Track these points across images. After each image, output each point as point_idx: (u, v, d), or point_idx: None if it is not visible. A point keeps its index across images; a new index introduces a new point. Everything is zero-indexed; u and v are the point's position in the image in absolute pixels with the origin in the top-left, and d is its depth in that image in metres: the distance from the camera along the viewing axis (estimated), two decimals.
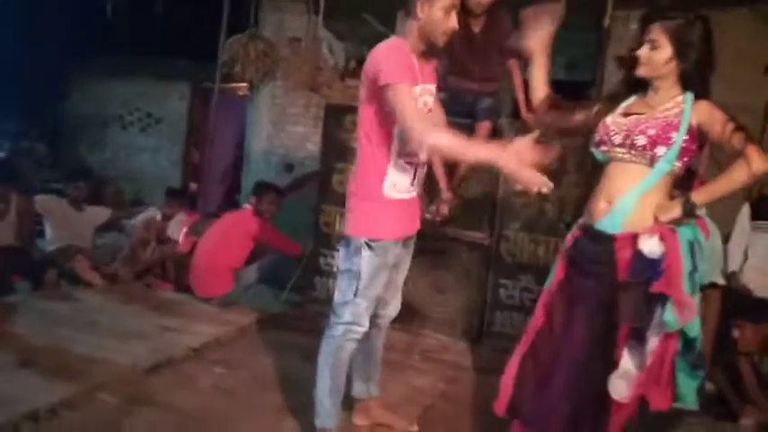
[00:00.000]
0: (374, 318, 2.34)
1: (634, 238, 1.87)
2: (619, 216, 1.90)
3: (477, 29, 3.51)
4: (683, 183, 1.96)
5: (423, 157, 2.23)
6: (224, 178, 7.92)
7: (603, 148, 1.97)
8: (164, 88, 8.54)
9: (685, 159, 1.89)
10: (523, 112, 3.61)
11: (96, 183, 6.80)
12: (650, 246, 1.84)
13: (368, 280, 2.18)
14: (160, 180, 8.12)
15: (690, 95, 1.89)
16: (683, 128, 1.86)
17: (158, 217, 4.88)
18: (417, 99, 2.11)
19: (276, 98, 5.97)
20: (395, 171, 2.17)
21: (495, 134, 3.66)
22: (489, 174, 3.67)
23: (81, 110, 9.07)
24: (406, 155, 2.17)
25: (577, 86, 5.75)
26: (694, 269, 1.84)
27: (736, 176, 1.82)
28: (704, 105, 1.87)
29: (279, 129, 6.02)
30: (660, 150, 1.86)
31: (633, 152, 1.90)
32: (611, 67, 4.77)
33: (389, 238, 2.20)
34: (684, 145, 1.86)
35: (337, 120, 4.10)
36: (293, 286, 4.30)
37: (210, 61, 5.86)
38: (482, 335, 3.76)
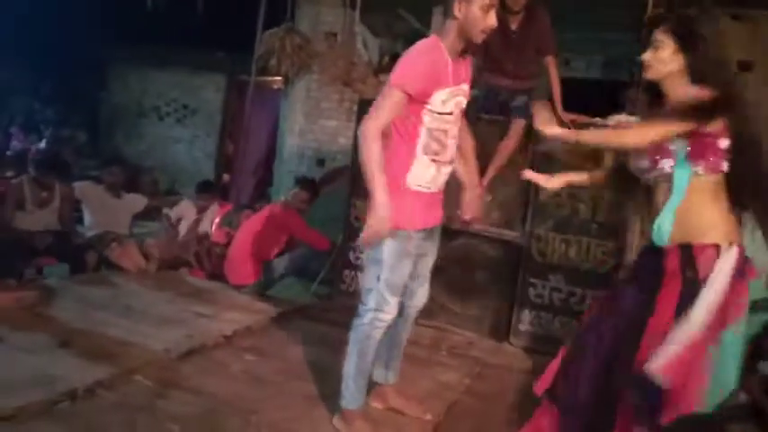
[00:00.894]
0: (401, 307, 2.37)
1: (681, 248, 1.86)
2: (664, 234, 1.90)
3: (514, 26, 3.49)
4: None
5: (447, 156, 2.25)
6: (256, 171, 8.02)
7: (645, 175, 1.99)
8: (200, 80, 8.67)
9: (711, 159, 1.83)
10: (559, 111, 3.58)
11: (133, 172, 6.97)
12: None
13: (391, 268, 2.22)
14: (194, 171, 8.28)
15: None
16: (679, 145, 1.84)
17: (193, 208, 4.99)
18: (445, 102, 2.15)
19: (310, 92, 6.03)
20: (419, 166, 2.21)
21: (530, 132, 3.63)
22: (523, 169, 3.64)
23: (119, 99, 9.27)
24: (432, 152, 2.20)
25: (614, 86, 5.68)
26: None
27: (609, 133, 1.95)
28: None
29: (312, 122, 6.08)
30: (665, 163, 1.86)
31: (653, 174, 1.92)
32: None
33: (411, 228, 2.23)
34: (692, 148, 1.82)
35: None
36: (323, 279, 4.35)
37: (247, 54, 5.95)
38: (509, 333, 3.75)
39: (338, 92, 5.90)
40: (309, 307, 4.02)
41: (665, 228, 1.90)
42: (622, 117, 3.70)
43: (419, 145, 2.18)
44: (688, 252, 1.86)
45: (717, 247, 1.83)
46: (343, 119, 5.84)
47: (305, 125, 6.09)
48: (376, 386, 2.60)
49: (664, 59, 1.87)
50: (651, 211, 1.99)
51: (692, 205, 1.86)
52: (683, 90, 1.88)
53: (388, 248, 2.21)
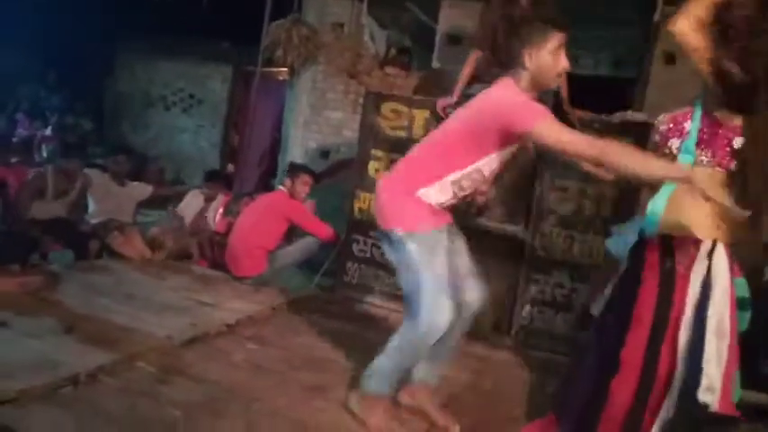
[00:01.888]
0: (458, 307, 2.25)
1: (662, 239, 1.86)
2: (655, 219, 1.87)
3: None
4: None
5: (467, 195, 2.24)
6: (261, 161, 8.03)
7: None
8: (206, 70, 8.68)
9: (719, 152, 1.80)
10: (566, 107, 3.57)
11: (139, 160, 6.98)
12: None
13: (425, 269, 2.15)
14: (199, 161, 8.31)
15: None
16: (698, 115, 1.79)
17: (200, 197, 5.00)
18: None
19: (316, 83, 6.02)
20: (438, 190, 2.19)
21: None
22: (527, 165, 3.64)
23: (125, 88, 9.28)
24: (459, 188, 2.19)
25: (622, 84, 5.66)
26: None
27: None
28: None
29: (317, 114, 6.07)
30: (673, 143, 1.82)
31: (659, 152, 1.89)
32: (659, 63, 4.67)
33: (428, 227, 2.20)
34: (705, 135, 1.79)
35: (376, 107, 4.12)
36: (326, 271, 4.36)
37: (253, 45, 5.94)
38: (511, 328, 3.76)
39: (344, 83, 5.89)
40: (312, 298, 4.03)
41: (657, 212, 1.87)
42: (628, 114, 3.70)
43: (454, 176, 2.16)
44: (668, 243, 1.85)
45: (696, 242, 1.82)
46: (349, 111, 5.83)
47: (310, 116, 6.08)
48: (411, 383, 2.47)
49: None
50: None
51: (686, 194, 1.80)
52: None
53: (414, 251, 2.16)
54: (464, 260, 2.37)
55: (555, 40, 2.00)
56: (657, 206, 1.87)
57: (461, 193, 2.23)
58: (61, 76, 9.08)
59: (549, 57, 2.00)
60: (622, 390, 1.84)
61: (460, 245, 2.38)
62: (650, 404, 1.81)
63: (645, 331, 1.82)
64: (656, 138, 1.93)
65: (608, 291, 2.08)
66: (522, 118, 1.97)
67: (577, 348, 2.10)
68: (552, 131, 1.93)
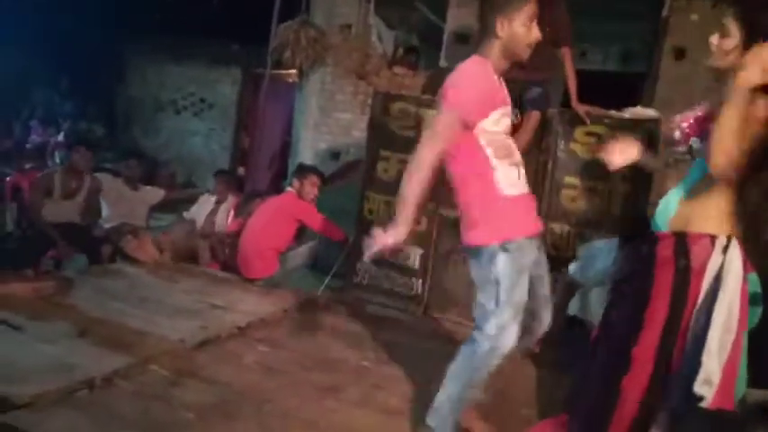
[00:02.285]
0: (524, 330, 2.14)
1: (675, 236, 1.82)
2: (664, 214, 1.85)
3: None
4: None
5: (518, 157, 2.15)
6: (271, 164, 8.07)
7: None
8: (216, 74, 8.74)
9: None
10: (574, 103, 3.55)
11: (150, 165, 7.05)
12: None
13: (509, 286, 2.01)
14: (211, 164, 8.36)
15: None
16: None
17: (212, 201, 5.03)
18: (499, 121, 2.07)
19: (325, 85, 6.04)
20: (502, 171, 2.07)
21: (545, 125, 3.61)
22: (537, 164, 3.63)
23: (136, 93, 9.36)
24: (504, 156, 2.08)
25: (631, 79, 5.62)
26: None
27: None
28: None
29: (326, 115, 6.09)
30: (695, 142, 1.80)
31: (679, 149, 1.87)
32: (668, 59, 4.63)
33: (523, 235, 2.06)
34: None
35: (385, 107, 4.12)
36: (336, 272, 4.36)
37: (262, 47, 5.97)
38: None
39: (353, 84, 5.90)
40: (322, 299, 4.04)
41: (669, 209, 1.85)
42: (638, 110, 3.67)
43: (490, 155, 2.05)
44: (682, 240, 1.81)
45: (712, 238, 1.78)
46: (358, 112, 5.85)
47: (319, 118, 6.10)
48: None
49: (723, 52, 1.74)
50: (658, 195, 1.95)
51: (701, 193, 1.79)
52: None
53: (503, 265, 2.01)
54: (545, 283, 2.23)
55: (528, 10, 2.00)
56: (671, 203, 1.85)
57: (516, 159, 2.13)
58: (74, 81, 9.18)
59: (521, 27, 2.00)
60: (634, 388, 1.82)
61: (543, 263, 2.22)
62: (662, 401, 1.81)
63: (657, 329, 1.79)
64: (677, 135, 1.92)
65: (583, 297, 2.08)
66: (449, 93, 2.01)
67: (587, 348, 2.07)
68: (434, 124, 2.02)
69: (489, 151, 2.06)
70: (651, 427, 1.82)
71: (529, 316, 2.14)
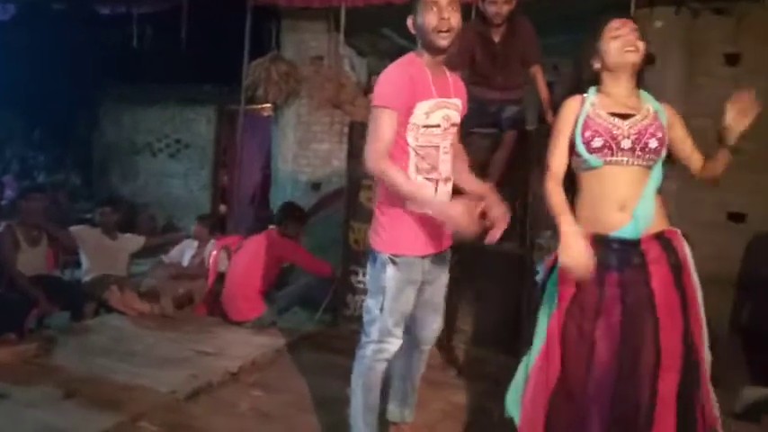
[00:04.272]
0: (412, 339, 2.30)
1: (656, 237, 1.89)
2: (642, 222, 1.87)
3: (497, 38, 3.48)
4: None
5: (442, 173, 2.15)
6: (253, 200, 8.00)
7: (607, 152, 1.87)
8: (191, 113, 8.71)
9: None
10: (549, 117, 3.56)
11: (129, 210, 6.94)
12: None
13: (393, 296, 2.13)
14: (191, 204, 8.28)
15: (647, 93, 1.96)
16: (664, 124, 1.91)
17: (195, 245, 4.95)
18: (429, 114, 2.08)
19: (301, 117, 6.03)
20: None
21: (523, 142, 3.62)
22: (519, 179, 3.62)
23: (111, 139, 9.30)
24: (425, 171, 2.11)
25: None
26: None
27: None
28: (668, 105, 1.96)
29: (304, 147, 6.07)
30: (663, 151, 1.89)
31: (642, 156, 1.87)
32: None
33: (412, 253, 2.13)
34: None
35: (362, 135, 4.06)
36: (326, 306, 4.30)
37: (235, 85, 5.97)
38: (519, 346, 3.69)
39: (329, 115, 5.90)
40: (314, 335, 3.97)
41: (645, 218, 1.87)
42: None
43: (410, 166, 2.10)
44: (664, 239, 1.89)
45: (678, 231, 1.92)
46: (336, 141, 5.83)
47: (298, 150, 6.08)
48: (391, 425, 2.48)
49: (642, 48, 1.95)
50: (609, 200, 1.90)
51: (655, 192, 1.91)
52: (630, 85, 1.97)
53: (391, 276, 2.12)
54: (438, 292, 2.34)
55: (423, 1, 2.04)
56: (647, 210, 1.88)
57: (437, 176, 2.13)
58: (48, 132, 9.11)
59: (421, 16, 2.04)
60: (669, 384, 1.81)
61: (443, 275, 2.33)
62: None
63: (678, 330, 1.83)
64: (655, 145, 1.96)
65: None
66: (376, 92, 2.06)
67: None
68: (376, 122, 2.02)
69: (411, 161, 2.10)
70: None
71: (418, 322, 2.29)
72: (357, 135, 4.13)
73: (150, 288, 4.51)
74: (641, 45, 1.91)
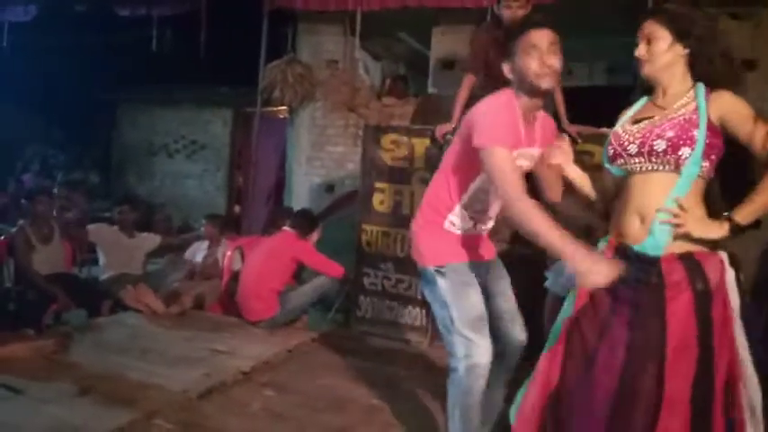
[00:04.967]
0: (502, 350, 2.20)
1: (682, 259, 1.68)
2: (660, 237, 1.69)
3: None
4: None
5: (487, 217, 2.19)
6: (267, 201, 8.05)
7: (619, 161, 1.79)
8: (207, 115, 8.79)
9: (712, 158, 1.68)
10: (564, 125, 3.55)
11: (145, 210, 7.03)
12: None
13: (455, 303, 2.09)
14: (206, 205, 8.35)
15: (701, 85, 1.71)
16: (703, 122, 1.65)
17: (205, 246, 5.00)
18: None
19: (316, 120, 6.06)
20: (456, 217, 2.16)
21: None
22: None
23: (129, 140, 9.42)
24: (473, 211, 2.15)
25: (619, 92, 5.63)
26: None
27: None
28: (724, 96, 1.67)
29: (319, 150, 6.10)
30: (685, 152, 1.66)
31: (654, 160, 1.70)
32: None
33: (456, 261, 2.15)
34: (708, 141, 1.65)
35: (376, 140, 4.12)
36: (339, 307, 4.32)
37: (251, 87, 6.02)
38: (530, 350, 3.68)
39: (343, 118, 5.92)
40: (326, 336, 3.99)
41: (663, 233, 1.69)
42: None
43: (462, 201, 2.13)
44: (692, 261, 1.67)
45: (717, 254, 1.69)
46: (350, 144, 5.86)
47: (312, 153, 6.11)
48: None
49: (659, 55, 1.74)
50: (631, 207, 1.77)
51: (690, 206, 1.68)
52: (685, 82, 1.75)
53: (443, 286, 2.11)
54: (507, 300, 2.28)
55: (526, 41, 1.94)
56: (663, 226, 1.69)
57: (482, 217, 2.18)
58: (67, 132, 9.24)
59: (521, 60, 1.94)
60: (675, 425, 1.63)
61: (502, 283, 2.30)
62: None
63: (688, 363, 1.63)
64: (664, 146, 1.73)
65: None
66: (479, 132, 1.92)
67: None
68: (497, 161, 1.86)
69: (464, 198, 2.10)
70: None
71: (501, 333, 2.22)
72: (371, 140, 4.16)
73: (170, 291, 4.55)
74: (647, 55, 1.78)
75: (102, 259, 4.76)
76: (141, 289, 4.33)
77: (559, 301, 3.06)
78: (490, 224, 2.25)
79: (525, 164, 2.09)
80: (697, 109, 1.68)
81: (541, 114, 2.13)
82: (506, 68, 2.01)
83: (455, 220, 2.17)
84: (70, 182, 8.29)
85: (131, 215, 4.92)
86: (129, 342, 3.61)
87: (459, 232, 2.19)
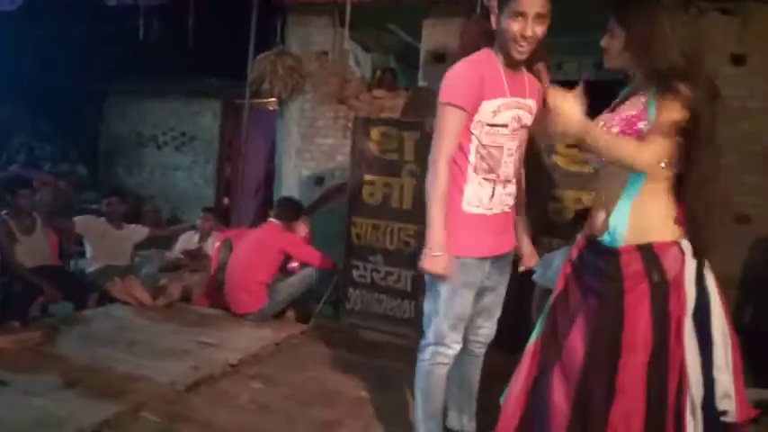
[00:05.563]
0: (466, 343, 2.23)
1: (640, 250, 1.68)
2: (619, 228, 1.70)
3: None
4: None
5: (501, 175, 2.08)
6: (257, 193, 8.01)
7: (588, 155, 1.81)
8: (196, 107, 8.73)
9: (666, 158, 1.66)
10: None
11: (134, 202, 6.98)
12: None
13: (448, 298, 2.08)
14: (195, 197, 8.32)
15: (653, 87, 1.67)
16: (651, 118, 1.64)
17: (196, 238, 4.97)
18: (497, 113, 2.00)
19: (305, 112, 6.03)
20: (472, 187, 2.06)
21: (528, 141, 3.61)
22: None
23: (117, 131, 9.34)
24: (483, 171, 2.05)
25: (608, 86, 5.65)
26: None
27: (625, 145, 1.63)
28: (674, 90, 1.61)
29: (308, 141, 6.07)
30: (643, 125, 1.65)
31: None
32: None
33: (470, 255, 2.07)
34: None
35: (366, 132, 4.11)
36: (327, 299, 4.32)
37: (240, 79, 5.97)
38: (517, 344, 3.69)
39: (333, 110, 5.89)
40: (316, 329, 3.99)
41: (621, 224, 1.70)
42: None
43: (470, 164, 2.04)
44: (650, 252, 1.67)
45: (678, 244, 1.67)
46: (340, 136, 5.83)
47: (302, 145, 6.08)
48: None
49: (614, 53, 1.75)
50: (599, 199, 1.80)
51: (647, 199, 1.69)
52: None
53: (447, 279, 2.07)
54: (497, 298, 2.28)
55: (515, 4, 1.92)
56: (621, 217, 1.71)
57: (497, 177, 2.07)
58: (54, 124, 9.14)
59: (505, 21, 1.94)
60: (630, 418, 1.63)
61: (502, 280, 2.26)
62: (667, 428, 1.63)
63: (643, 354, 1.63)
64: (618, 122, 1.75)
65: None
66: (444, 88, 1.99)
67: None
68: (442, 119, 1.97)
69: (471, 161, 2.04)
70: None
71: (471, 327, 2.25)
72: (360, 132, 4.15)
73: (161, 285, 4.52)
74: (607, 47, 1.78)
75: (89, 251, 4.72)
76: (130, 281, 4.31)
77: (547, 294, 3.06)
78: (510, 188, 2.13)
79: (524, 114, 2.07)
80: (647, 103, 1.68)
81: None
82: (493, 18, 2.01)
83: (472, 193, 2.06)
84: (57, 173, 8.21)
85: (120, 207, 4.89)
86: (116, 334, 3.59)
87: (479, 210, 2.07)
